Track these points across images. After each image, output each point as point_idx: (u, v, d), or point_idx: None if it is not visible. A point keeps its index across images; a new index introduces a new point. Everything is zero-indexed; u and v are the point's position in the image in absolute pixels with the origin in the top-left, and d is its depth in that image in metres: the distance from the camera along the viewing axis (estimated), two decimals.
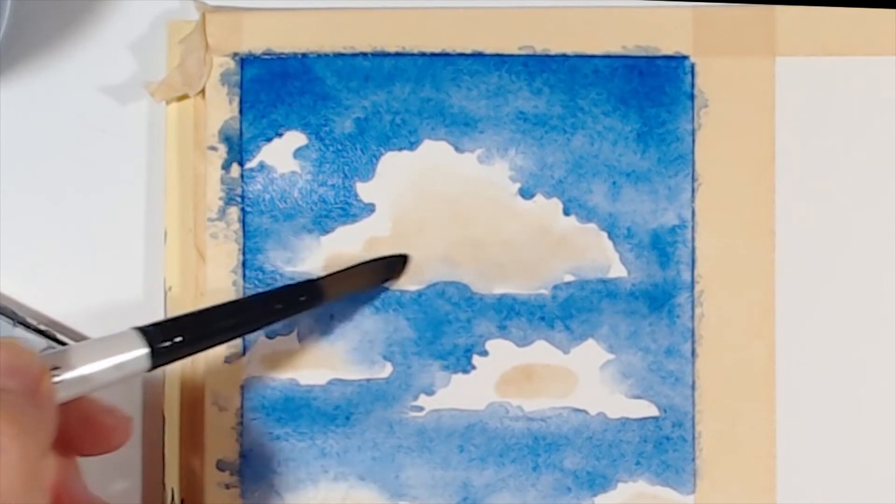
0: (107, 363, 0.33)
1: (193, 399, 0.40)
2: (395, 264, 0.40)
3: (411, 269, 0.40)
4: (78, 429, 0.34)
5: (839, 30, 0.40)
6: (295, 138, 0.40)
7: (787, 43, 0.40)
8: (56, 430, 0.32)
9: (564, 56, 0.40)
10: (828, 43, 0.40)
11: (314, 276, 0.38)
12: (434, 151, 0.40)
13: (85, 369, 0.32)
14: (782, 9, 0.40)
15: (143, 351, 0.33)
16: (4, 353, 0.31)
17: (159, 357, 0.33)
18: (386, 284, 0.40)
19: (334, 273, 0.39)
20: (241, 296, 0.40)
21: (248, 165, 0.40)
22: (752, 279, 0.40)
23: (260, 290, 0.40)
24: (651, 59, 0.40)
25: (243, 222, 0.40)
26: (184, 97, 0.40)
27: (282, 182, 0.40)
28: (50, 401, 0.32)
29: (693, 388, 0.40)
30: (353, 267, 0.39)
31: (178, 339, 0.34)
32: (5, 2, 0.39)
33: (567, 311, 0.40)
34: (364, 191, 0.40)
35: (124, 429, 0.35)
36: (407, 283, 0.40)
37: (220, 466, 0.39)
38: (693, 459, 0.40)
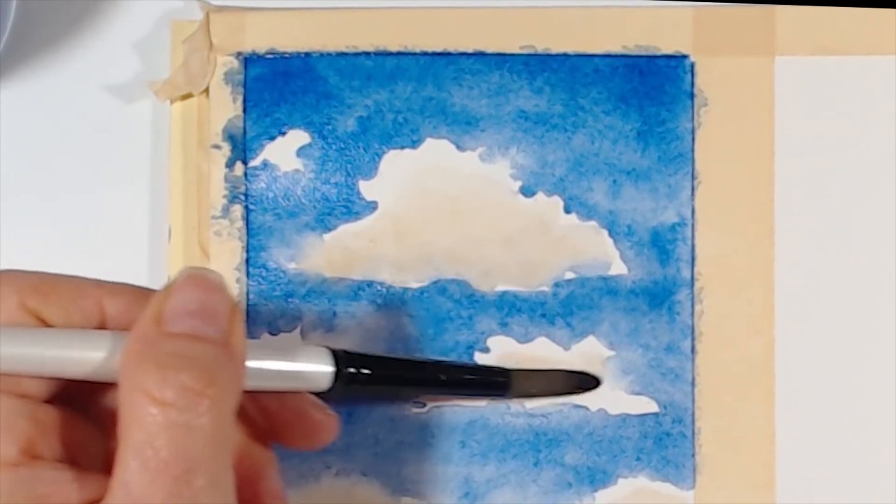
0: (289, 366, 0.33)
1: None
2: (588, 382, 0.40)
3: (413, 266, 0.40)
4: (291, 420, 0.34)
5: (838, 29, 0.41)
6: (298, 137, 0.40)
7: (787, 42, 0.40)
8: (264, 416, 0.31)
9: (565, 55, 0.40)
10: (827, 42, 0.41)
11: (508, 368, 0.39)
12: (436, 150, 0.40)
13: (267, 364, 0.32)
14: (782, 8, 0.40)
15: (329, 369, 0.33)
16: (195, 288, 0.30)
17: (341, 380, 0.34)
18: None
19: (527, 370, 0.39)
20: (244, 293, 0.40)
21: (252, 164, 0.40)
22: (752, 277, 0.40)
23: (263, 288, 0.40)
24: (651, 59, 0.40)
25: (247, 220, 0.40)
26: (188, 96, 0.40)
27: (285, 180, 0.40)
28: (242, 355, 0.30)
29: (693, 384, 0.40)
30: (549, 371, 0.40)
31: (364, 371, 0.35)
32: (10, 1, 0.40)
33: (568, 309, 0.40)
34: (367, 189, 0.40)
35: (333, 427, 0.34)
36: (409, 280, 0.40)
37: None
38: (693, 455, 0.40)
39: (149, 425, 0.28)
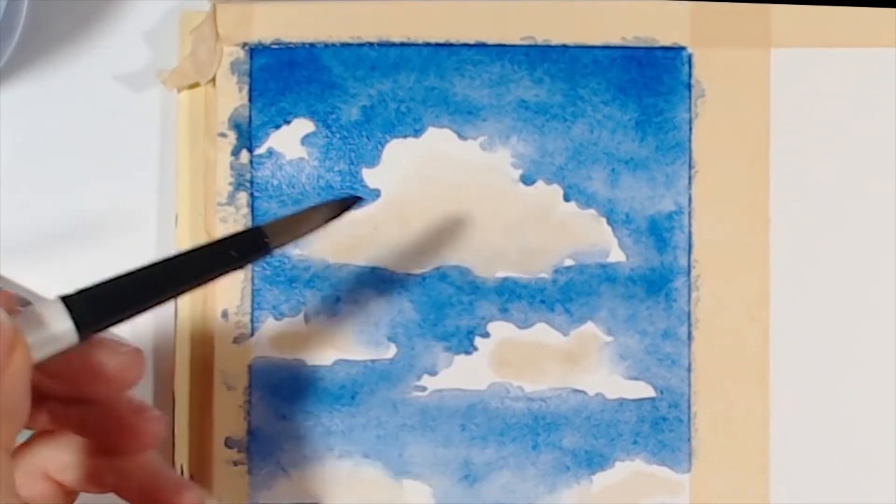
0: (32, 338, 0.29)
1: (202, 379, 0.41)
2: (347, 204, 0.35)
3: (415, 253, 0.41)
4: (110, 432, 0.32)
5: (833, 23, 0.41)
6: (303, 125, 0.41)
7: (782, 34, 0.41)
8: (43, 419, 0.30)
9: (565, 46, 0.41)
10: (822, 35, 0.41)
11: (259, 224, 0.34)
12: (438, 139, 0.41)
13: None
14: (777, 7, 0.41)
15: (67, 325, 0.30)
16: None
17: (85, 330, 0.30)
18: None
19: (280, 219, 0.35)
20: (249, 278, 0.41)
21: (257, 152, 0.41)
22: (748, 264, 0.41)
23: (268, 273, 0.41)
24: (649, 50, 0.41)
25: (252, 207, 0.41)
26: (195, 85, 0.41)
27: (290, 168, 0.41)
28: (19, 382, 0.28)
29: (689, 369, 0.41)
30: (301, 212, 0.35)
31: (108, 306, 0.31)
32: (22, 1, 0.41)
33: (567, 295, 0.41)
34: (370, 177, 0.41)
35: (158, 430, 0.33)
36: (411, 267, 0.41)
37: (229, 444, 0.40)
38: (689, 439, 0.41)
39: None
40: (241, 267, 0.34)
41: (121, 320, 0.31)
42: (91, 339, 0.31)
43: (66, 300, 0.31)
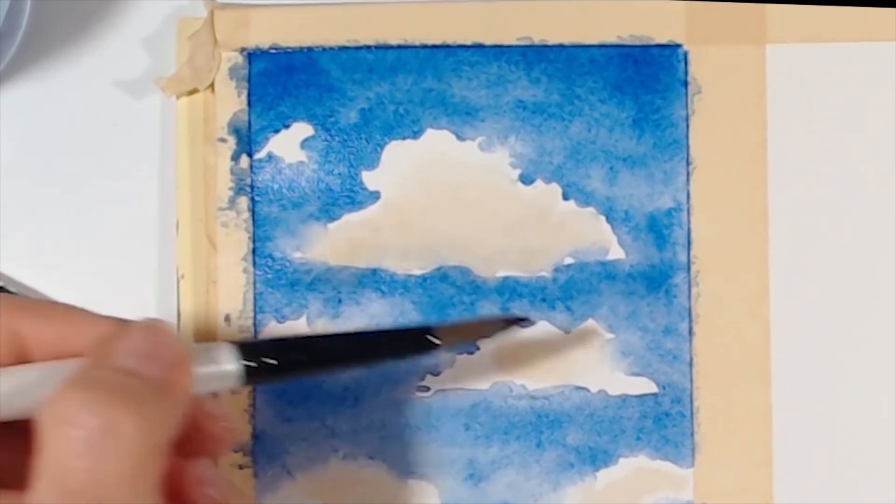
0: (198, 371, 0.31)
1: None
2: (520, 322, 0.39)
3: (415, 253, 0.41)
4: (183, 431, 0.32)
5: (829, 21, 0.41)
6: (302, 129, 0.41)
7: (777, 31, 0.41)
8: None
9: (561, 46, 0.41)
10: (817, 30, 0.41)
11: (430, 325, 0.37)
12: (436, 140, 0.41)
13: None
14: (773, 7, 0.41)
15: (234, 367, 0.32)
16: (145, 335, 0.29)
17: (251, 376, 0.32)
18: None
19: (453, 324, 0.39)
20: (251, 282, 0.41)
21: (257, 156, 0.41)
22: (747, 260, 0.41)
23: (270, 276, 0.41)
24: (645, 48, 0.41)
25: (253, 211, 0.41)
26: (194, 91, 0.41)
27: (289, 172, 0.41)
28: (183, 396, 0.30)
29: (691, 365, 0.41)
30: (471, 322, 0.39)
31: (271, 361, 0.33)
32: (26, 2, 0.41)
33: (567, 293, 0.41)
34: (369, 179, 0.41)
35: (227, 439, 0.33)
36: (412, 267, 0.41)
37: (234, 448, 0.41)
38: (691, 434, 0.41)
39: (65, 449, 0.27)
40: (403, 359, 0.38)
41: (277, 380, 0.34)
42: (200, 401, 0.32)
43: (238, 345, 0.32)
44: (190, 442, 0.32)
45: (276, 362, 0.33)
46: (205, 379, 0.32)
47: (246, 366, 0.32)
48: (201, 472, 0.33)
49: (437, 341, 0.36)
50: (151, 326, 0.30)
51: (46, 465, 0.27)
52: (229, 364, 0.32)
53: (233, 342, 0.33)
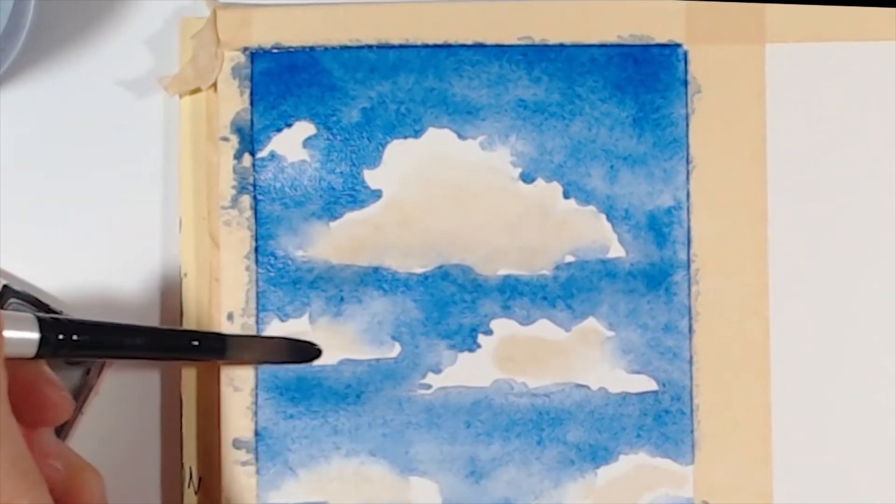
0: None
1: (209, 381, 0.41)
2: (307, 351, 0.41)
3: (417, 252, 0.41)
4: (19, 396, 0.33)
5: (828, 20, 0.42)
6: (304, 128, 0.41)
7: (777, 30, 0.42)
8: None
9: (562, 45, 0.41)
10: (816, 29, 0.42)
11: (224, 333, 0.40)
12: (438, 139, 0.41)
13: None
14: (772, 6, 0.42)
15: (33, 336, 0.34)
16: None
17: (48, 346, 0.34)
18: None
19: (243, 336, 0.41)
20: (254, 280, 0.41)
21: (260, 155, 0.41)
22: (746, 258, 0.41)
23: (272, 275, 0.41)
24: (645, 48, 0.41)
25: (255, 210, 0.41)
26: (196, 90, 0.42)
27: (292, 170, 0.41)
28: None
29: (690, 363, 0.41)
30: (263, 337, 0.41)
31: (73, 338, 0.35)
32: (29, 2, 0.41)
33: (568, 291, 0.41)
34: (371, 178, 0.41)
35: (65, 406, 0.35)
36: (413, 266, 0.41)
37: (236, 445, 0.41)
38: (691, 431, 0.41)
39: None
40: (193, 359, 0.40)
41: (74, 356, 0.36)
42: (37, 367, 0.35)
43: (40, 319, 0.34)
44: (28, 408, 0.34)
45: (77, 339, 0.35)
46: (9, 344, 0.33)
47: (42, 337, 0.34)
48: (45, 444, 0.34)
49: (225, 350, 0.40)
50: None
51: None
52: (31, 332, 0.34)
53: (35, 315, 0.34)
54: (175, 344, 0.40)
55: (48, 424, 0.35)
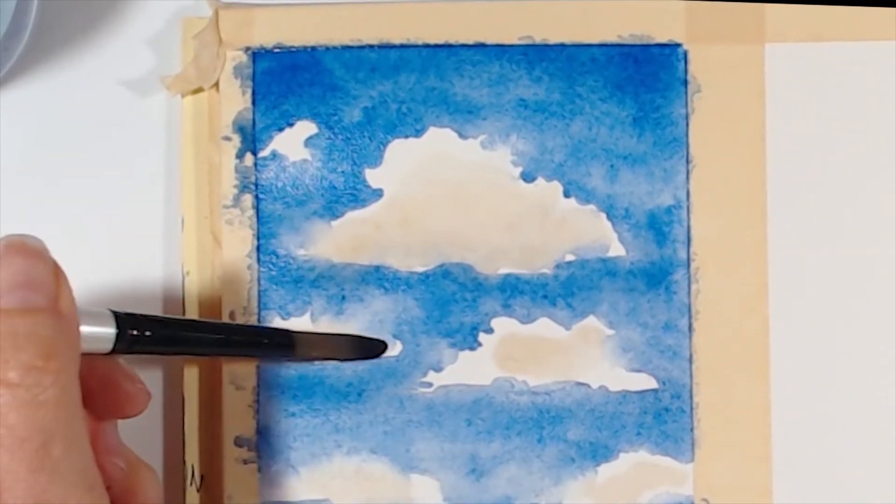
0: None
1: (211, 379, 0.41)
2: (375, 347, 0.41)
3: (418, 251, 0.41)
4: (96, 389, 0.34)
5: (828, 20, 0.42)
6: (305, 128, 0.42)
7: (776, 30, 0.42)
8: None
9: (562, 45, 0.42)
10: (816, 30, 0.42)
11: (292, 330, 0.41)
12: (439, 138, 0.42)
13: None
14: (772, 6, 0.42)
15: (111, 331, 0.34)
16: (18, 257, 0.29)
17: (124, 342, 0.34)
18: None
19: (311, 333, 0.41)
20: (255, 279, 0.41)
21: (261, 154, 0.42)
22: (746, 256, 0.42)
23: (274, 274, 0.41)
24: (645, 47, 0.42)
25: (257, 209, 0.41)
26: (199, 90, 0.42)
27: (293, 170, 0.42)
28: (73, 316, 0.30)
29: (690, 361, 0.41)
30: (330, 334, 0.41)
31: (146, 333, 0.35)
32: (32, 2, 0.41)
33: (568, 290, 0.41)
34: (372, 177, 0.42)
35: (142, 398, 0.35)
36: (415, 264, 0.41)
37: (238, 443, 0.41)
38: (691, 429, 0.41)
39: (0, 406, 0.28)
40: (264, 357, 0.40)
41: (147, 351, 0.35)
42: (114, 361, 0.34)
43: (116, 314, 0.34)
44: (105, 402, 0.34)
45: (151, 333, 0.35)
46: (85, 339, 0.32)
47: (118, 332, 0.34)
48: (110, 441, 0.34)
49: (294, 347, 0.40)
50: (18, 246, 0.30)
51: None
52: (108, 327, 0.33)
53: (111, 310, 0.34)
54: (245, 340, 0.40)
55: (125, 417, 0.35)
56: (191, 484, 0.41)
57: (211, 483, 0.41)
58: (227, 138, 0.41)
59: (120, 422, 0.40)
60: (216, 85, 0.41)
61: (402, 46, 0.42)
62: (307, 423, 0.41)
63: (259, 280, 0.41)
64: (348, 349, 0.41)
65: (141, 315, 0.35)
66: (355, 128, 0.42)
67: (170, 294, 0.42)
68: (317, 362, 0.41)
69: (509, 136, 0.42)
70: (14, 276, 0.29)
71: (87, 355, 0.33)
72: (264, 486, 0.41)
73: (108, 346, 0.34)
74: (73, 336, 0.30)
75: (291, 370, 0.41)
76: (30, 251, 0.30)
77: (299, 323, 0.41)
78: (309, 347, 0.40)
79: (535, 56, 0.42)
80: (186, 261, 0.42)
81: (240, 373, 0.41)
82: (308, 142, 0.42)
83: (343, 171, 0.42)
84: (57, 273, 0.30)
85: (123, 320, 0.34)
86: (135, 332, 0.34)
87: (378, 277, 0.41)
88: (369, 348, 0.41)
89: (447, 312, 0.41)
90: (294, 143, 0.41)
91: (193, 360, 0.41)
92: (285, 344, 0.40)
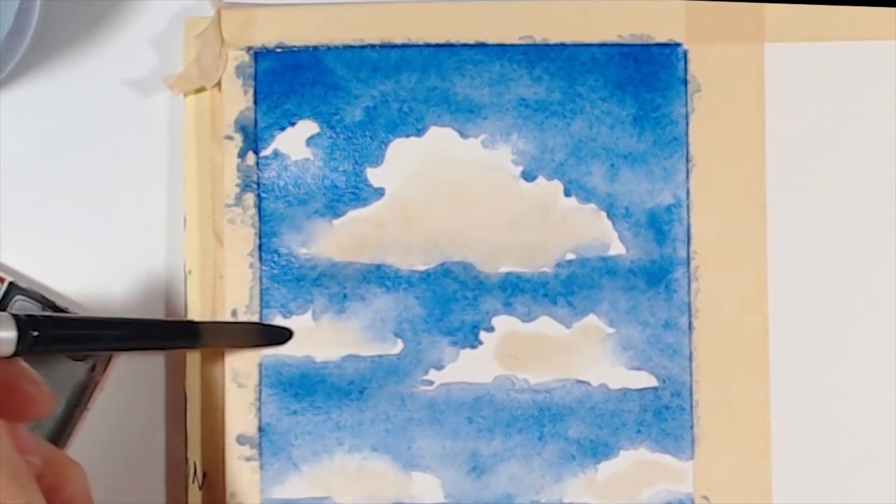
0: None
1: (213, 377, 0.42)
2: (279, 334, 0.41)
3: (420, 249, 0.42)
4: (1, 392, 0.34)
5: (827, 20, 0.42)
6: (307, 127, 0.42)
7: (776, 30, 0.42)
8: None
9: (563, 45, 0.42)
10: (815, 30, 0.42)
11: (196, 321, 0.41)
12: (440, 137, 0.42)
13: None
14: (771, 6, 0.42)
15: (10, 335, 0.34)
16: None
17: (25, 344, 0.34)
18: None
19: (215, 322, 0.41)
20: (257, 278, 0.41)
21: (263, 153, 0.42)
22: (746, 255, 0.42)
23: (276, 272, 0.41)
24: (645, 47, 0.42)
25: (259, 208, 0.42)
26: (201, 89, 0.42)
27: (295, 169, 0.42)
28: None
29: (690, 359, 0.42)
30: (234, 323, 0.41)
31: (47, 333, 0.35)
32: (35, 2, 0.41)
33: (569, 288, 0.42)
34: (374, 176, 0.42)
35: (45, 401, 0.35)
36: (416, 263, 0.42)
37: (240, 441, 0.41)
38: (691, 427, 0.42)
39: None
40: (168, 348, 0.41)
41: (51, 351, 0.36)
42: (15, 364, 0.35)
43: (15, 316, 0.34)
44: (7, 405, 0.34)
45: (54, 334, 0.35)
46: None
47: (19, 335, 0.34)
48: (22, 440, 0.34)
49: (198, 338, 0.40)
50: None
51: None
52: (8, 331, 0.34)
53: (10, 313, 0.34)
54: (148, 333, 0.40)
55: (28, 420, 0.35)
56: (193, 482, 0.41)
57: (213, 481, 0.41)
58: (230, 137, 0.42)
59: (123, 421, 0.41)
60: (218, 84, 0.42)
61: (404, 46, 0.42)
62: (309, 421, 0.41)
63: (261, 278, 0.41)
64: (253, 337, 0.41)
65: (42, 316, 0.36)
66: (357, 127, 0.42)
67: (172, 292, 0.42)
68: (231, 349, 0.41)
69: (510, 135, 0.42)
70: None
71: None
72: (266, 483, 0.41)
73: (10, 349, 0.34)
74: None
75: (293, 368, 0.41)
76: None
77: (301, 321, 0.41)
78: (214, 336, 0.41)
79: (535, 56, 0.42)
80: (188, 259, 0.42)
81: (242, 371, 0.41)
82: (310, 141, 0.42)
83: (344, 170, 0.42)
84: None
85: (24, 322, 0.34)
86: (36, 334, 0.35)
87: (379, 276, 0.42)
88: (273, 335, 0.41)
89: (448, 311, 0.42)
90: (296, 142, 0.42)
91: (192, 358, 0.42)
92: (190, 334, 0.40)
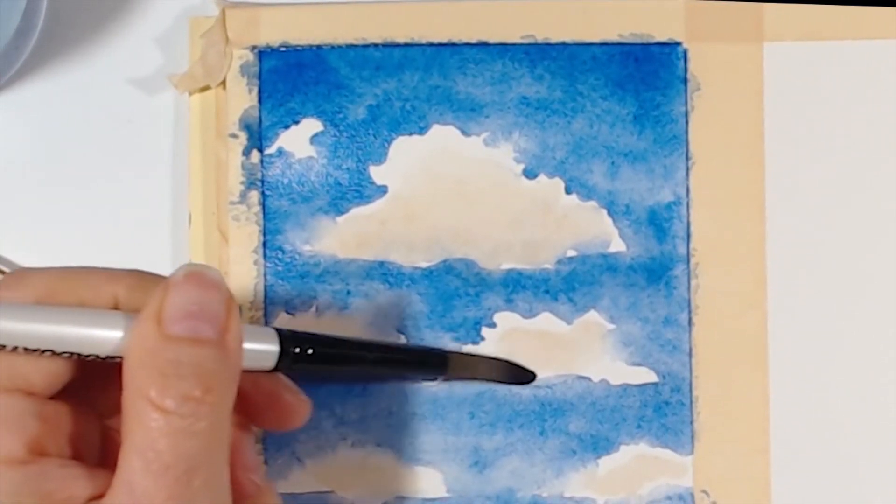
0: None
1: None
2: (524, 375, 0.42)
3: (422, 246, 0.42)
4: (263, 401, 0.34)
5: (826, 20, 0.42)
6: (311, 125, 0.42)
7: (775, 29, 0.42)
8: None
9: (564, 44, 0.42)
10: (814, 29, 0.42)
11: (446, 351, 0.41)
12: (442, 135, 0.42)
13: None
14: (771, 5, 0.42)
15: (274, 349, 0.34)
16: (194, 287, 0.30)
17: (287, 359, 0.34)
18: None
19: (465, 354, 0.41)
20: (262, 274, 0.42)
21: (268, 151, 0.42)
22: (745, 252, 0.42)
23: (280, 269, 0.42)
24: (646, 46, 0.42)
25: (263, 205, 0.42)
26: (206, 88, 0.42)
27: (299, 167, 0.42)
28: (238, 353, 0.30)
29: (690, 355, 0.42)
30: (483, 357, 0.41)
31: (308, 350, 0.35)
32: (42, 1, 0.42)
33: (570, 285, 0.42)
34: (377, 173, 0.42)
35: (304, 410, 0.35)
36: (418, 260, 0.42)
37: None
38: (691, 422, 0.42)
39: (151, 430, 0.29)
40: (413, 377, 0.41)
41: (308, 369, 0.36)
42: (280, 375, 0.35)
43: (279, 332, 0.34)
44: (268, 415, 0.34)
45: (313, 351, 0.35)
46: (249, 356, 0.33)
47: (282, 350, 0.34)
48: (249, 458, 0.34)
49: (447, 367, 0.41)
50: (196, 276, 0.30)
51: (135, 444, 0.29)
52: (272, 345, 0.34)
53: (274, 328, 0.34)
54: (402, 359, 0.41)
55: (288, 429, 0.35)
56: None
57: None
58: (234, 135, 0.42)
59: None
60: (223, 83, 0.42)
61: (406, 45, 0.42)
62: (312, 416, 0.41)
63: (265, 275, 0.42)
64: (499, 373, 0.41)
65: (303, 333, 0.35)
66: (360, 125, 0.42)
67: None
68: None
69: (512, 133, 0.42)
70: (186, 305, 0.30)
71: (251, 372, 0.33)
72: (270, 478, 0.41)
73: (272, 364, 0.34)
74: (234, 370, 0.30)
75: None
76: (206, 282, 0.30)
77: (304, 317, 0.42)
78: (461, 369, 0.41)
79: (536, 55, 0.42)
80: (193, 256, 0.42)
81: None
82: (314, 139, 0.42)
83: (348, 168, 0.42)
84: (229, 307, 0.30)
85: (287, 338, 0.34)
86: (297, 351, 0.35)
87: (382, 273, 0.42)
88: (519, 376, 0.41)
89: (450, 307, 0.42)
90: (300, 140, 0.42)
91: None
92: (439, 364, 0.41)
